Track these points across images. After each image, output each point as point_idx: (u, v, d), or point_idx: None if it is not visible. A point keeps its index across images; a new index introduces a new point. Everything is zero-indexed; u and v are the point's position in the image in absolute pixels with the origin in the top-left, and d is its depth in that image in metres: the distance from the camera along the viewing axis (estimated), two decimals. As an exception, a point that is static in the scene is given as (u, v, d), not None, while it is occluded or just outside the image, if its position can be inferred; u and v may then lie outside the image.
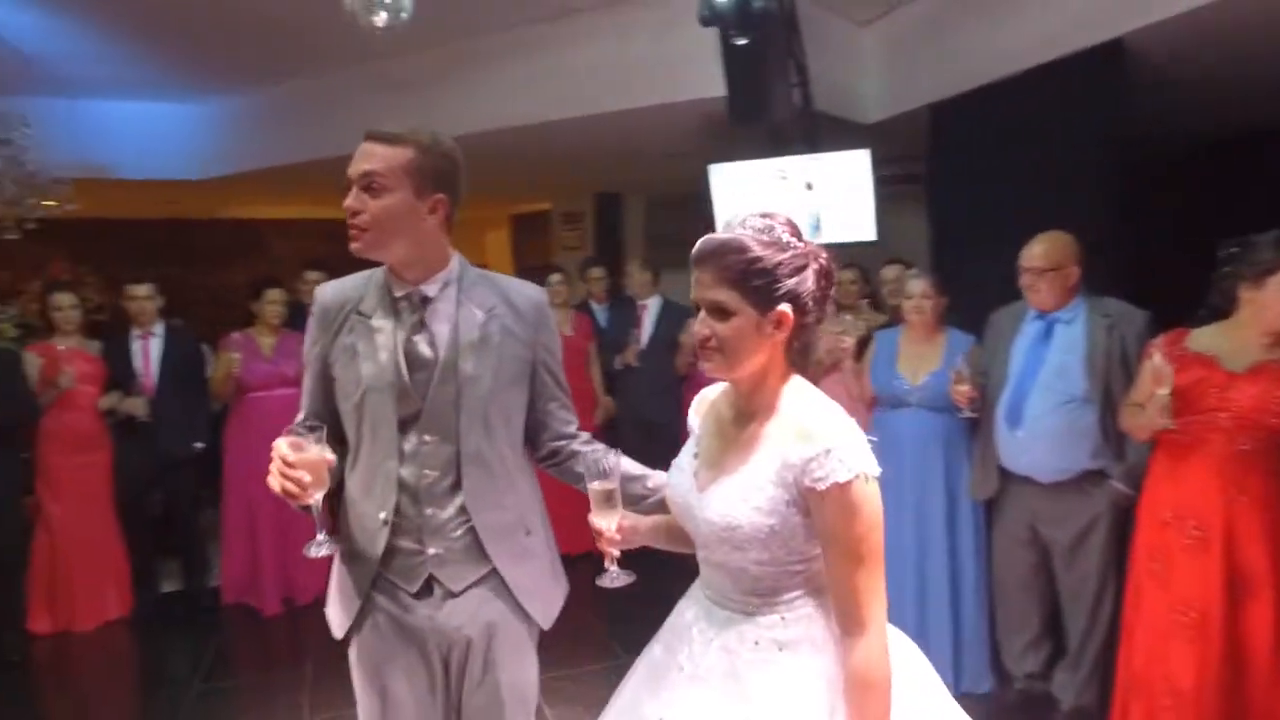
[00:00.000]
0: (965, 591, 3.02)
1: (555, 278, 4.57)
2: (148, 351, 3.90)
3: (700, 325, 1.30)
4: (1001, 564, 2.99)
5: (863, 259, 4.50)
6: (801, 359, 1.34)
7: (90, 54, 5.41)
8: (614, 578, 1.49)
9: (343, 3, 2.99)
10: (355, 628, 1.66)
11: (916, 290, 3.10)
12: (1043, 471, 2.76)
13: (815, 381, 1.37)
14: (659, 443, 4.51)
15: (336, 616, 1.69)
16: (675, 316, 4.55)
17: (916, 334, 3.14)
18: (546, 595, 1.75)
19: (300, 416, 1.69)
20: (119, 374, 3.86)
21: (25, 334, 4.73)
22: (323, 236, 9.06)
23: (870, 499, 1.21)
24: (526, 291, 1.73)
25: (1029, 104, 3.97)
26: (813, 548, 1.27)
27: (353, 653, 1.68)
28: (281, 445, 1.46)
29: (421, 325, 1.62)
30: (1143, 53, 3.64)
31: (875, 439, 1.26)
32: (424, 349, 1.62)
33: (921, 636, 2.97)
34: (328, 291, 1.69)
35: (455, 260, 1.68)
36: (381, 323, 1.62)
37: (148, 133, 6.47)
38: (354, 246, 1.58)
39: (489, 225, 11.56)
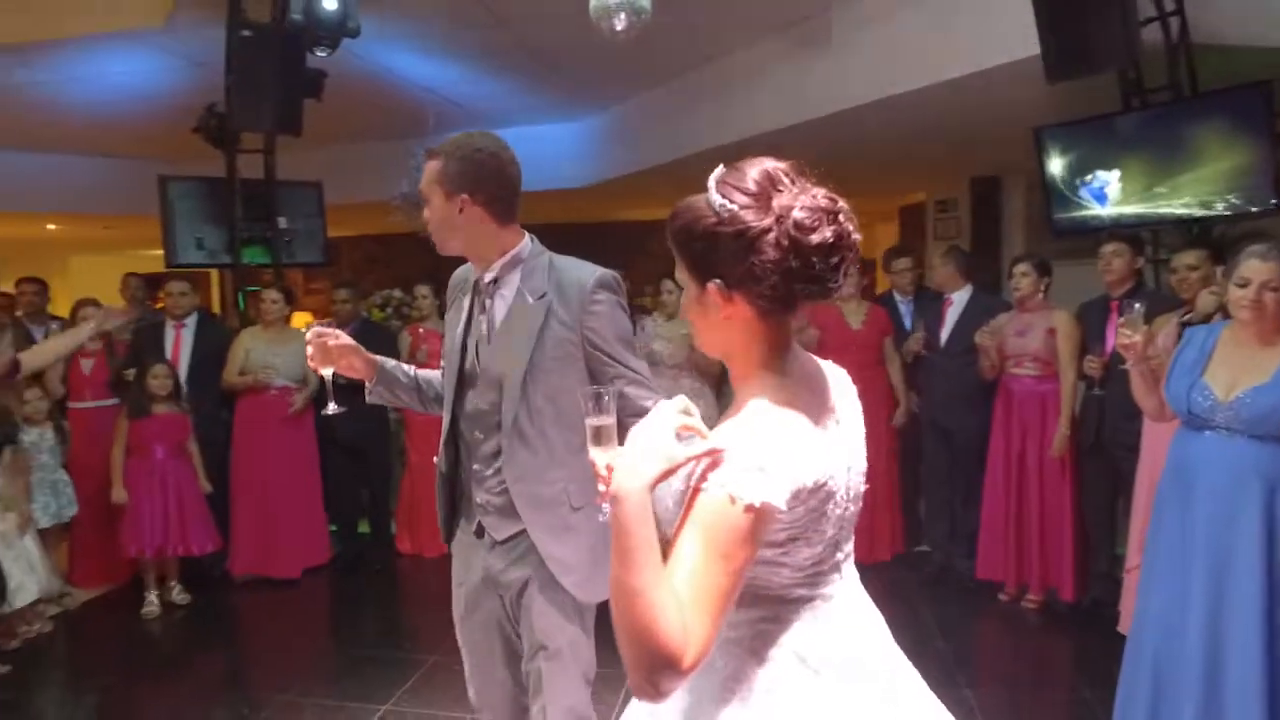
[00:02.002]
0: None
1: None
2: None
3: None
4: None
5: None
6: (780, 350, 1.11)
7: (496, 92, 6.62)
8: (605, 514, 1.47)
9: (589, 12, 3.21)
10: (448, 541, 1.93)
11: (1255, 274, 2.21)
12: None
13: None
14: (959, 455, 4.03)
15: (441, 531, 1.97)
16: (983, 312, 3.92)
17: (1246, 334, 2.27)
18: (588, 571, 1.76)
19: None
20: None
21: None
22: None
23: (726, 527, 0.95)
24: (578, 275, 1.76)
25: None
26: None
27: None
28: (309, 330, 1.85)
29: (484, 307, 1.80)
30: None
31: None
32: (481, 327, 1.80)
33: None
34: (456, 273, 1.94)
35: (520, 248, 1.79)
36: (465, 301, 1.85)
37: (542, 150, 7.63)
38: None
39: (878, 218, 11.22)
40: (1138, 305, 2.49)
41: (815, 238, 1.01)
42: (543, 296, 1.74)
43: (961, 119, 5.14)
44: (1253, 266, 2.22)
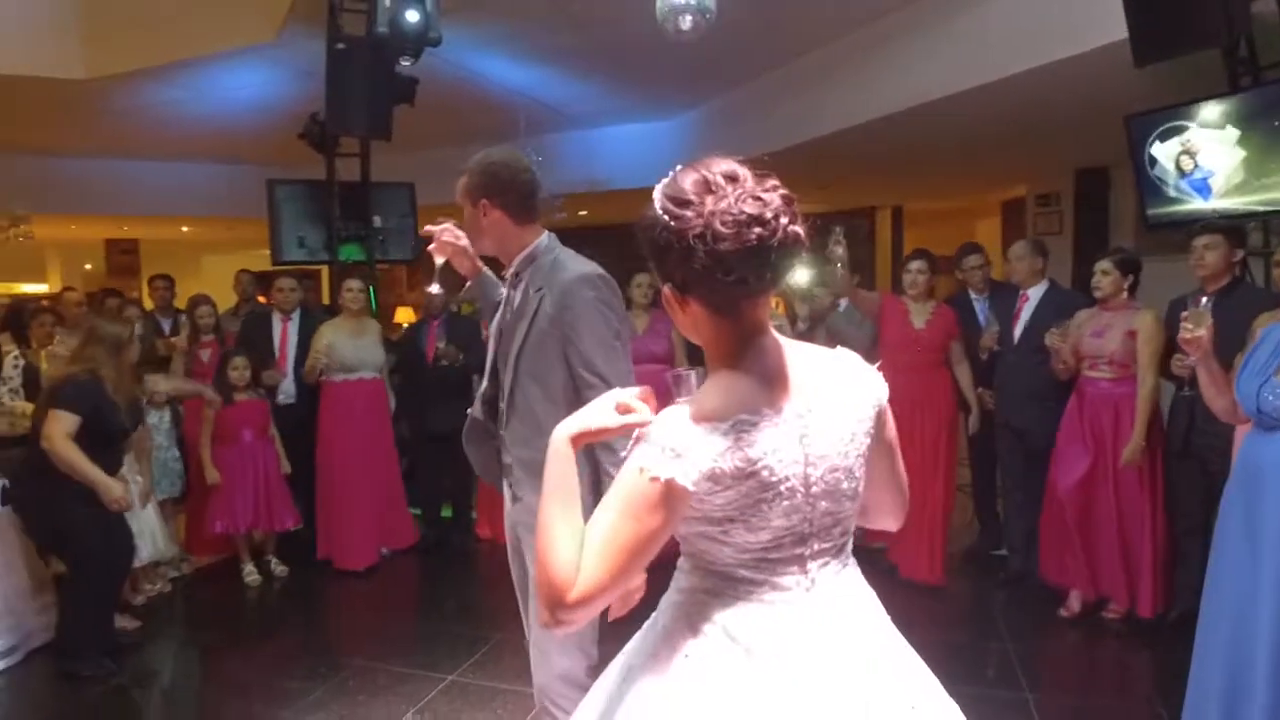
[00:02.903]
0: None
1: (915, 264, 4.12)
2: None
3: None
4: None
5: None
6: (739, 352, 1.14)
7: (583, 94, 6.78)
8: None
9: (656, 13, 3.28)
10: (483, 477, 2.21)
11: None
12: None
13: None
14: (1032, 456, 3.86)
15: None
16: (1058, 308, 3.75)
17: None
18: None
19: None
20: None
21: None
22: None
23: (636, 494, 1.05)
24: (567, 271, 1.92)
25: None
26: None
27: None
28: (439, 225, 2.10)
29: (509, 298, 2.07)
30: None
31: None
32: (506, 314, 2.06)
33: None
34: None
35: (534, 246, 2.00)
36: (503, 293, 2.12)
37: (632, 149, 7.78)
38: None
39: (979, 214, 10.81)
40: (1205, 299, 2.36)
41: (728, 245, 1.03)
42: (539, 289, 1.93)
43: (1059, 108, 4.92)
44: None
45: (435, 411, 4.62)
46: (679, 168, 1.11)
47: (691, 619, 1.15)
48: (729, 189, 1.05)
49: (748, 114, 6.81)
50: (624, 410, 1.11)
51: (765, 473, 1.07)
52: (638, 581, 1.51)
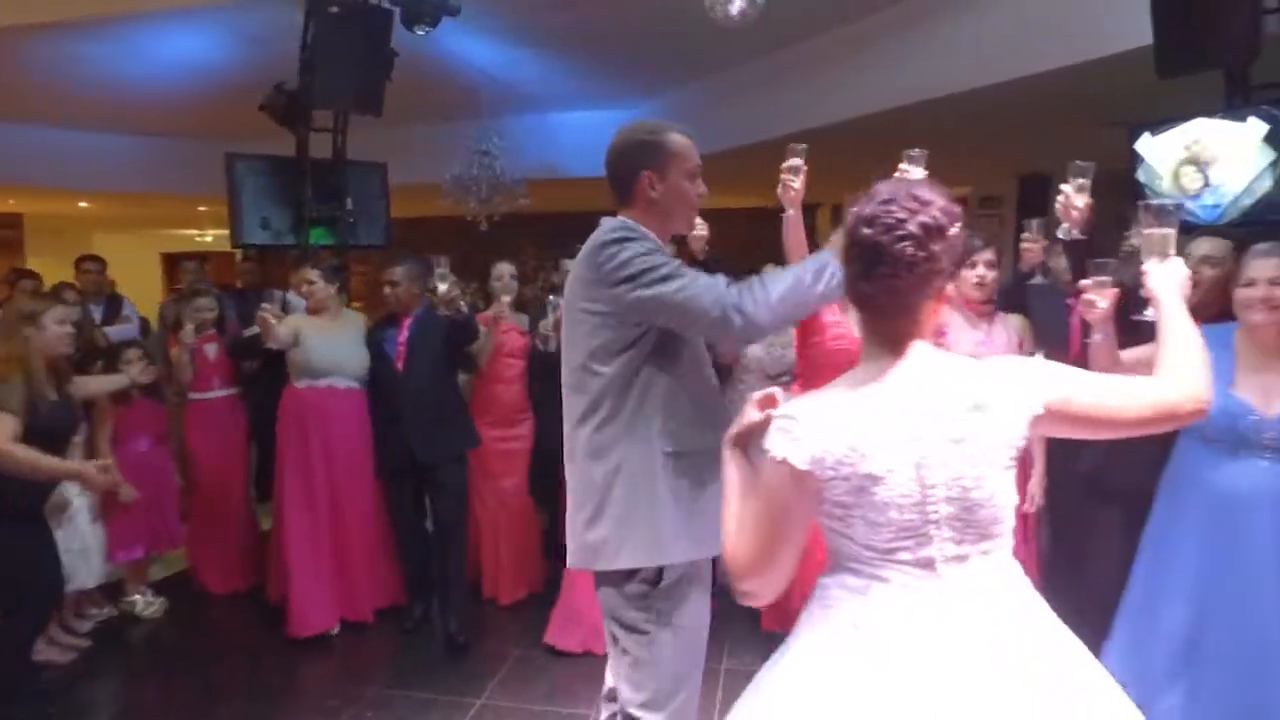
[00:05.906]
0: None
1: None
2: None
3: None
4: None
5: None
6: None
7: (544, 76, 6.52)
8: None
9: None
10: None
11: (1262, 271, 2.00)
12: None
13: None
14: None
15: None
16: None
17: (1266, 340, 2.02)
18: None
19: None
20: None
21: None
22: (742, 221, 9.68)
23: (765, 475, 1.22)
24: None
25: None
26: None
27: None
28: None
29: None
30: None
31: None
32: None
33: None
34: None
35: None
36: None
37: (588, 137, 7.53)
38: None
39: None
40: (1112, 262, 1.90)
41: (849, 231, 1.21)
42: None
43: (1025, 114, 5.07)
44: (1256, 266, 2.02)
45: (416, 436, 3.38)
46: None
47: (826, 611, 1.23)
48: (901, 201, 1.15)
49: (701, 110, 6.73)
50: (765, 403, 1.29)
51: (868, 464, 1.14)
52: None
